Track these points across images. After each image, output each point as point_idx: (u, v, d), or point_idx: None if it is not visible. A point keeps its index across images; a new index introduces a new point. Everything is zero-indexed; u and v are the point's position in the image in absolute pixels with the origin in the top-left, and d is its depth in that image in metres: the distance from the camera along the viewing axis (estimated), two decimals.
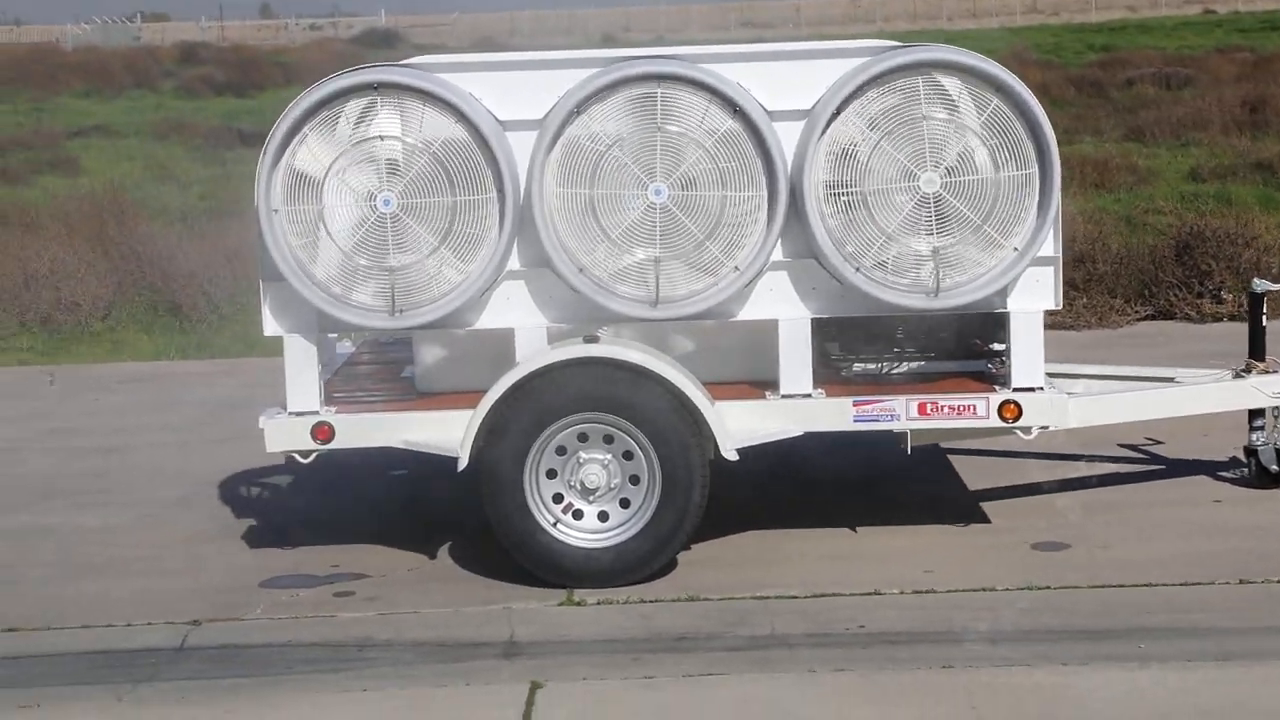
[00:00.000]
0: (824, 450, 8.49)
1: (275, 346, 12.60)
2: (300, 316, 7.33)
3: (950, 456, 8.95)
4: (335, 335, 8.10)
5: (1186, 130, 22.63)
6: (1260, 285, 8.33)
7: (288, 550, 7.88)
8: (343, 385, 7.84)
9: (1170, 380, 8.27)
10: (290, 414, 7.38)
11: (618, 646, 6.58)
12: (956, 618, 6.73)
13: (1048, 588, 7.01)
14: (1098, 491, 8.38)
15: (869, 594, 7.02)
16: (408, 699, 6.13)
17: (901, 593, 7.03)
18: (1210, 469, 8.60)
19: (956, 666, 6.19)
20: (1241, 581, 6.97)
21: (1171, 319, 12.45)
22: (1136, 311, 12.32)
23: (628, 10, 78.03)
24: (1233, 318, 12.33)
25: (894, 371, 7.72)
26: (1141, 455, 8.94)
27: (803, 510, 8.11)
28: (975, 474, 8.70)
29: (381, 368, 8.35)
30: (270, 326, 7.40)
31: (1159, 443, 9.05)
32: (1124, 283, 12.57)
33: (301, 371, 7.38)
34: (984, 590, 7.02)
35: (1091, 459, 8.83)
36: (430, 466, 8.45)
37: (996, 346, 7.77)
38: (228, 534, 8.21)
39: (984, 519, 7.97)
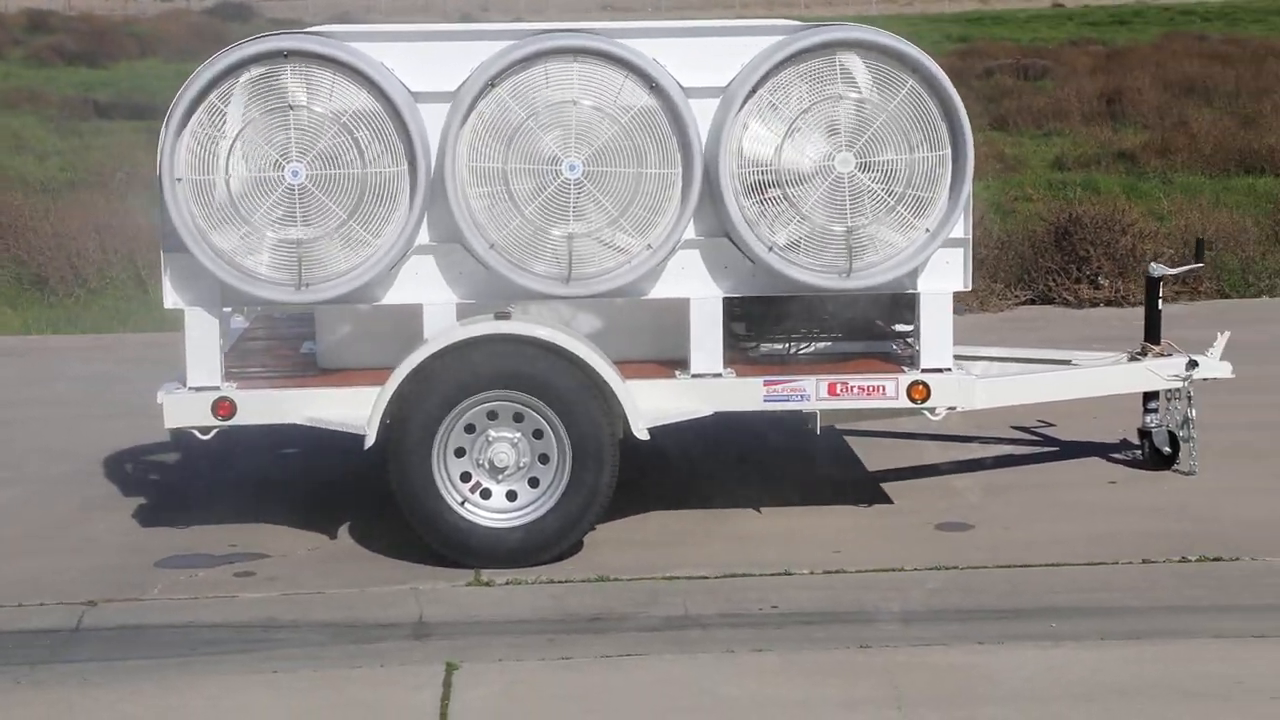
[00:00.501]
0: (721, 430, 8.43)
1: (150, 322, 12.54)
2: (202, 289, 7.15)
3: (847, 437, 8.96)
4: (231, 309, 7.90)
5: (1048, 120, 22.96)
6: (1157, 269, 8.42)
7: (182, 529, 7.68)
8: (240, 361, 7.66)
9: (1067, 363, 8.34)
10: (190, 389, 7.20)
11: (530, 627, 6.50)
12: (867, 598, 6.73)
13: (955, 568, 7.04)
14: (995, 473, 8.44)
15: (779, 574, 7.00)
16: (320, 680, 6.01)
17: (811, 573, 7.02)
18: (1102, 450, 8.70)
19: (874, 646, 6.19)
20: (1144, 561, 7.05)
21: (1050, 304, 12.59)
22: (1016, 296, 12.43)
23: None
24: (1109, 303, 12.52)
25: (801, 352, 7.69)
26: (1034, 437, 9.02)
27: (704, 491, 8.07)
28: (873, 455, 8.72)
29: (278, 343, 8.18)
30: (171, 299, 7.21)
31: (1050, 425, 9.13)
32: (1004, 268, 12.69)
33: (202, 346, 7.20)
34: (892, 570, 7.03)
35: (986, 440, 8.89)
36: (322, 444, 8.32)
37: (899, 327, 7.80)
38: (119, 512, 7.99)
39: (886, 499, 7.99)
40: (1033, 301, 12.51)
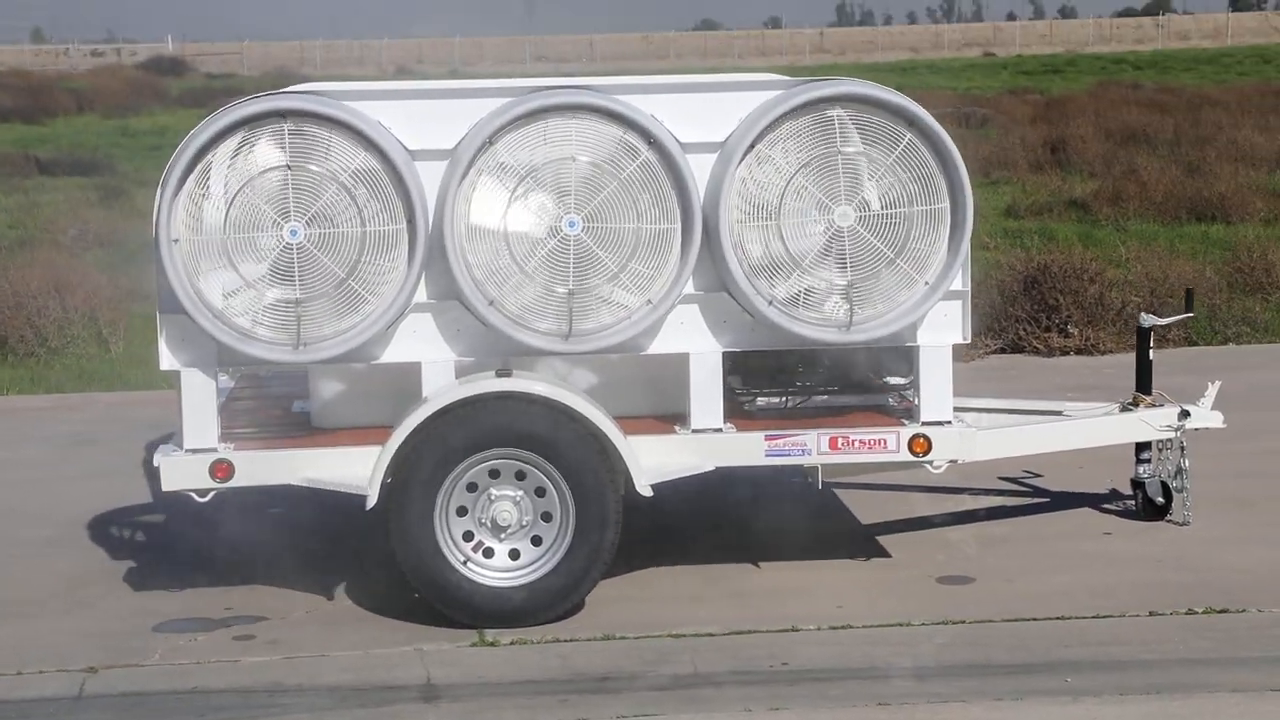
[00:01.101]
0: (709, 486, 8.37)
1: (116, 380, 12.40)
2: (199, 350, 7.07)
3: (835, 490, 8.93)
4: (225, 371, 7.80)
5: (994, 168, 23.14)
6: (1147, 320, 8.46)
7: (176, 592, 7.58)
8: (231, 421, 7.55)
9: (1058, 413, 8.36)
10: (187, 451, 7.11)
11: (540, 688, 6.44)
12: (877, 653, 6.70)
13: (961, 622, 7.02)
14: (989, 524, 8.43)
15: (786, 630, 6.96)
16: None
17: (818, 629, 6.98)
18: (1093, 501, 8.71)
19: (892, 703, 6.16)
20: (1151, 614, 7.05)
21: (1020, 352, 12.63)
22: (987, 345, 12.47)
23: (419, 42, 77.70)
24: (1079, 351, 12.57)
25: (797, 405, 7.68)
26: (1023, 488, 9.02)
27: (700, 546, 8.02)
28: (863, 508, 8.70)
29: (267, 402, 8.09)
30: (167, 361, 7.13)
31: (1038, 475, 9.14)
32: (974, 317, 12.69)
33: (199, 407, 7.11)
34: (899, 625, 7.00)
35: (975, 491, 8.89)
36: (308, 503, 8.25)
37: (892, 380, 7.80)
38: (109, 576, 7.87)
39: (883, 553, 7.97)
40: (1003, 350, 12.55)
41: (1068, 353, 12.56)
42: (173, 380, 7.27)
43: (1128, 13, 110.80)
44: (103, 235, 18.12)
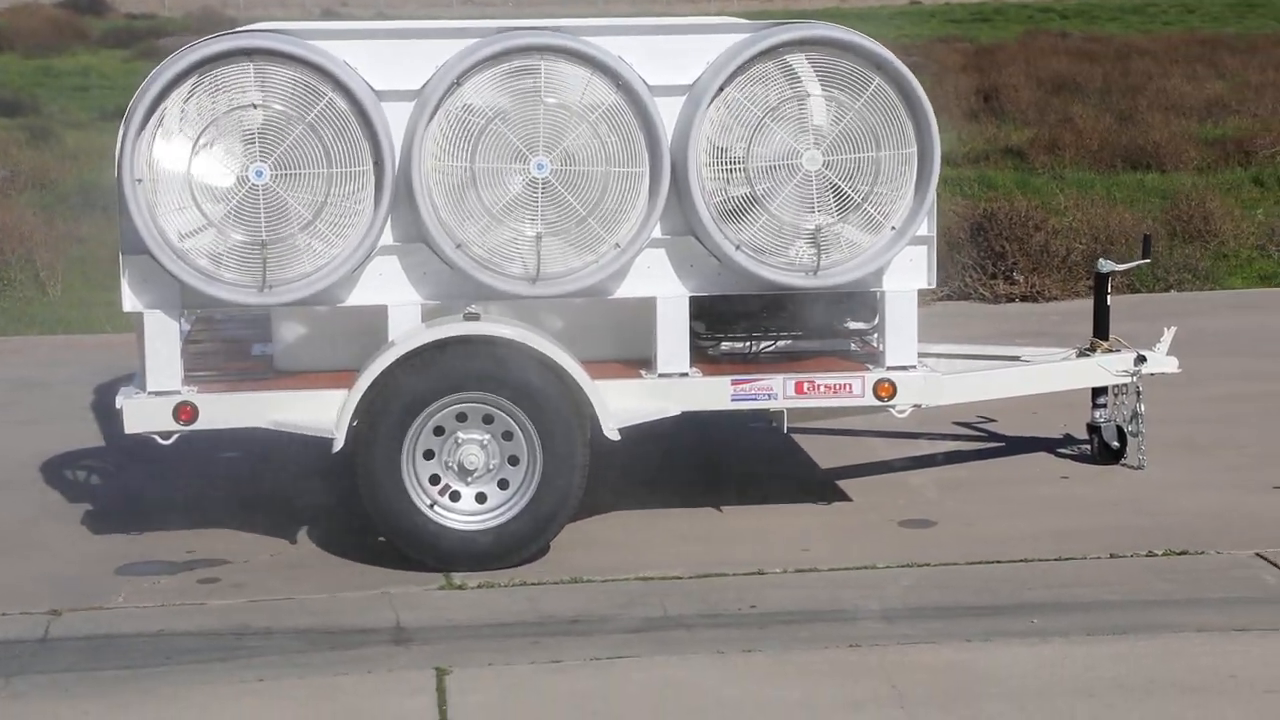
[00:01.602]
0: (667, 430, 8.38)
1: (57, 324, 12.27)
2: (162, 292, 7.00)
3: (794, 435, 8.96)
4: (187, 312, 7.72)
5: None
6: (1105, 265, 8.51)
7: (136, 535, 7.52)
8: (191, 365, 7.47)
9: (1016, 359, 8.41)
10: (150, 394, 7.05)
11: (511, 630, 6.44)
12: (845, 596, 6.75)
13: (927, 564, 7.08)
14: (947, 469, 8.49)
15: (753, 574, 7.00)
16: (309, 689, 5.91)
17: (784, 571, 7.02)
18: (1048, 445, 8.78)
19: (863, 645, 6.20)
20: (1112, 556, 7.13)
21: (967, 299, 12.71)
22: (935, 292, 12.51)
23: None
24: (1024, 298, 12.66)
25: (762, 351, 7.69)
26: (979, 433, 9.08)
27: (664, 491, 8.04)
28: (822, 453, 8.74)
29: (225, 345, 8.03)
30: (130, 302, 7.05)
31: (992, 420, 9.20)
32: None
33: (162, 349, 7.04)
34: (865, 568, 7.05)
35: (932, 436, 8.94)
36: (264, 448, 8.20)
37: (853, 325, 7.82)
38: (65, 519, 7.81)
39: (845, 497, 8.01)
40: (950, 297, 12.62)
41: (1014, 299, 12.65)
42: (134, 322, 7.19)
43: None
44: (34, 176, 17.85)
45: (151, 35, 44.08)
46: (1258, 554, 7.09)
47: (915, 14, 54.38)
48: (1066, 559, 7.10)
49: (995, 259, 12.78)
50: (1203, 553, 7.14)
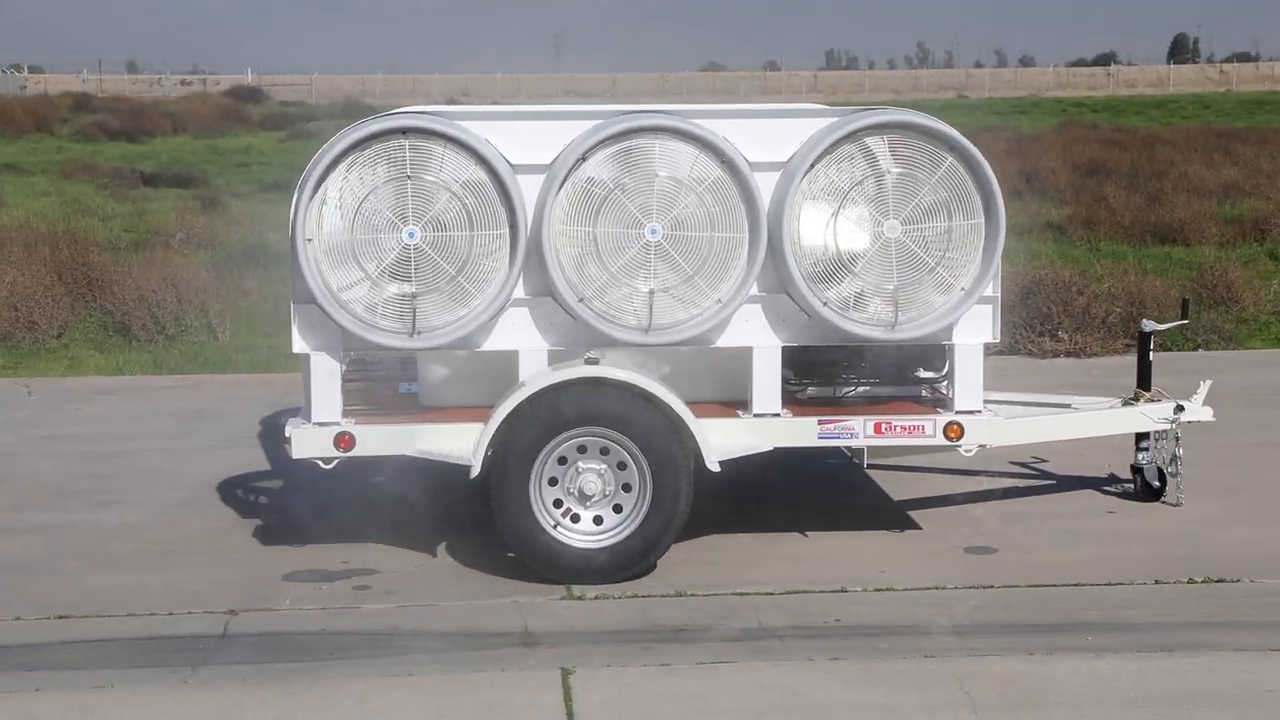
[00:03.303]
0: (760, 467, 8.31)
1: (226, 365, 12.37)
2: (326, 336, 7.03)
3: (867, 472, 8.86)
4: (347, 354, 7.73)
5: None
6: (1148, 326, 8.39)
7: (299, 548, 7.54)
8: (348, 400, 7.47)
9: (1068, 406, 8.29)
10: (315, 424, 7.07)
11: (625, 637, 6.39)
12: (919, 613, 6.64)
13: (991, 586, 6.97)
14: (1006, 502, 8.37)
15: (837, 591, 6.91)
16: (451, 683, 5.87)
17: (864, 590, 6.93)
18: (1095, 484, 8.64)
19: (937, 656, 6.10)
20: (1157, 582, 6.99)
21: (1017, 355, 12.58)
22: (988, 348, 12.38)
23: (466, 77, 77.66)
24: (1068, 354, 12.51)
25: (845, 395, 7.62)
26: (1033, 471, 8.96)
27: (756, 518, 7.97)
28: (893, 487, 8.63)
29: (376, 385, 8.05)
30: (298, 345, 7.08)
31: (1044, 460, 9.08)
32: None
33: (325, 386, 7.08)
34: (936, 589, 6.95)
35: (991, 474, 8.82)
36: (407, 474, 8.21)
37: (923, 374, 7.73)
38: (240, 531, 7.84)
39: (915, 526, 7.91)
40: (1001, 353, 12.47)
41: (1059, 355, 12.51)
42: (301, 362, 7.22)
43: (1080, 63, 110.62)
44: (205, 239, 18.09)
45: (301, 119, 44.79)
46: None
47: (962, 106, 54.28)
48: (1116, 584, 6.96)
49: (1043, 319, 12.66)
50: (1238, 581, 6.99)
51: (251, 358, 12.61)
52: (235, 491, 8.63)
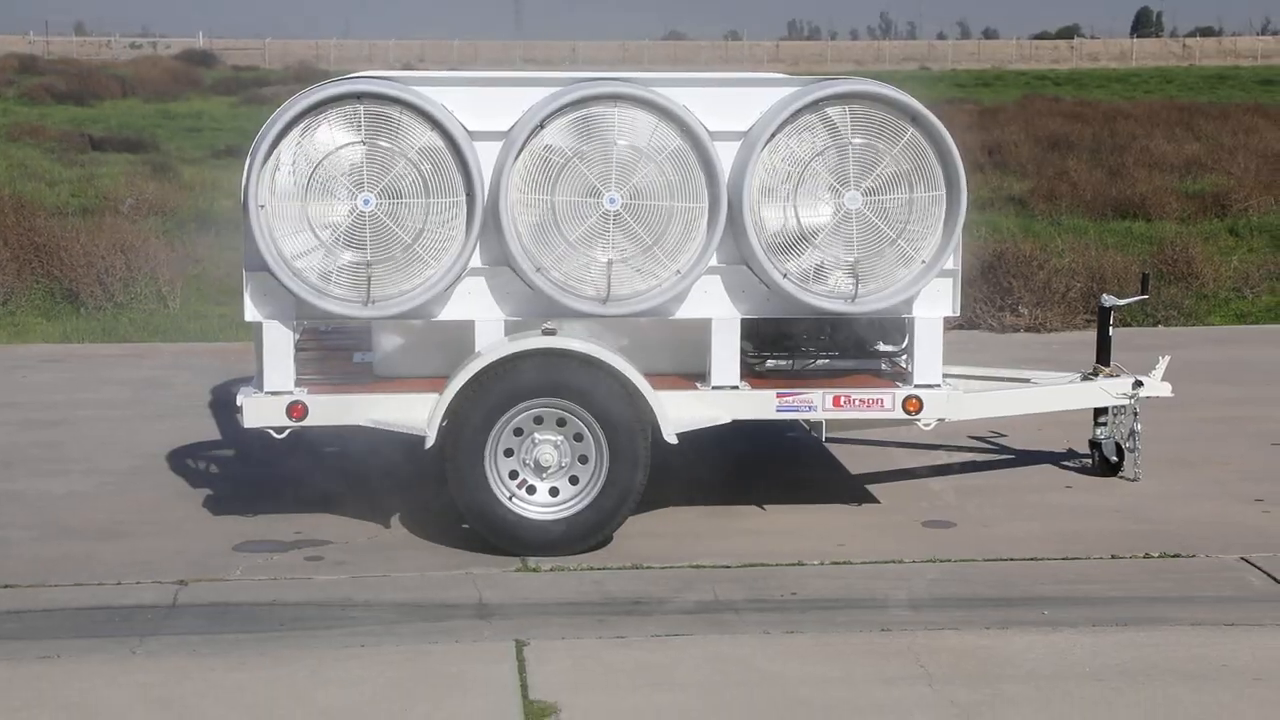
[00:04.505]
0: (718, 438, 8.34)
1: (177, 333, 12.31)
2: (279, 304, 7.01)
3: (825, 445, 8.90)
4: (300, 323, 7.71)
5: None
6: (1108, 300, 8.46)
7: (250, 517, 7.54)
8: (300, 370, 7.45)
9: (1027, 381, 8.35)
10: (267, 393, 7.06)
11: (579, 609, 6.41)
12: (877, 586, 6.69)
13: (948, 560, 7.02)
14: (964, 477, 8.43)
15: (794, 564, 6.95)
16: (405, 654, 5.88)
17: (822, 563, 6.97)
18: (1053, 458, 8.72)
19: (893, 629, 6.15)
20: (1113, 557, 7.06)
21: (977, 329, 12.65)
22: (947, 322, 12.44)
23: (422, 42, 77.25)
24: (1029, 329, 12.60)
25: (803, 368, 7.64)
26: (991, 446, 9.03)
27: (712, 490, 8.00)
28: (851, 460, 8.69)
29: (329, 354, 8.03)
30: (250, 313, 7.05)
31: (1003, 435, 9.15)
32: None
33: (278, 355, 7.06)
34: (893, 562, 7.00)
35: (949, 448, 8.89)
36: (359, 444, 8.19)
37: (882, 347, 7.76)
38: (191, 501, 7.83)
39: (874, 499, 7.97)
40: (961, 327, 12.54)
41: (1019, 330, 12.60)
42: (253, 331, 7.20)
43: (1043, 36, 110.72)
44: (155, 205, 17.96)
45: (255, 84, 44.44)
46: (1243, 558, 7.01)
47: (925, 79, 54.31)
48: (1073, 558, 7.03)
49: (1003, 293, 12.74)
50: (1194, 556, 7.07)
51: (203, 326, 12.58)
52: (186, 461, 8.61)
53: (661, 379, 7.27)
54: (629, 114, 6.97)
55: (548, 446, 7.03)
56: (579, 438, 7.05)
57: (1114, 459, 8.30)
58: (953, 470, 8.55)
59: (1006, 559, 7.03)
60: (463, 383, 6.94)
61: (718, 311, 7.21)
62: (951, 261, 7.25)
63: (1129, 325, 12.58)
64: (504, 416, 6.99)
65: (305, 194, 6.84)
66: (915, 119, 7.07)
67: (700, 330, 7.27)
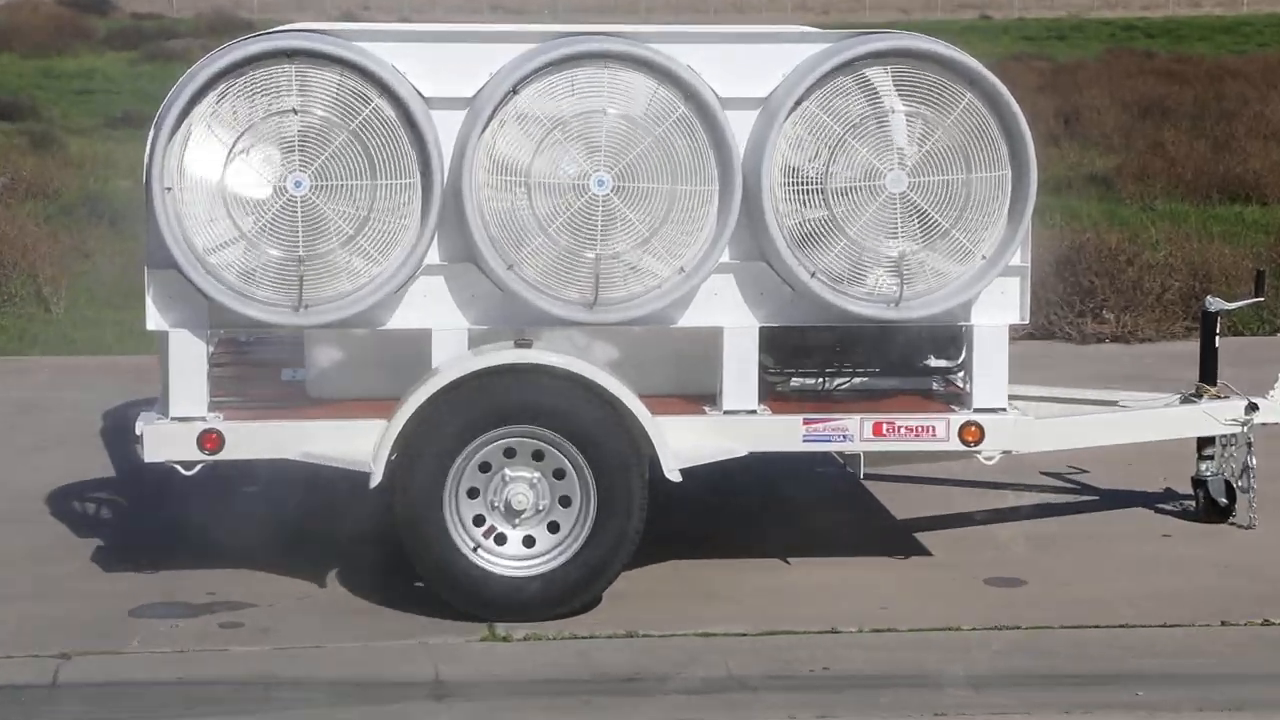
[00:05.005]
0: (731, 476, 8.35)
1: (61, 344, 12.33)
2: (190, 310, 7.03)
3: (864, 483, 8.91)
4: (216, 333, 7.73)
5: None
6: (1214, 304, 8.48)
7: (151, 574, 7.55)
8: (215, 390, 7.46)
9: (1113, 404, 8.38)
10: (173, 419, 7.08)
11: (561, 688, 6.44)
12: (928, 660, 6.71)
13: (1017, 627, 7.04)
14: (1036, 523, 8.46)
15: (825, 632, 6.97)
16: None
17: (860, 631, 6.99)
18: (1146, 500, 8.74)
19: (949, 714, 6.17)
20: (1224, 624, 7.07)
21: (1052, 338, 12.70)
22: (1015, 330, 12.47)
23: None
24: (1115, 338, 12.65)
25: (837, 388, 7.66)
26: (1070, 485, 9.05)
27: (724, 538, 8.03)
28: (896, 501, 8.71)
29: (252, 369, 8.06)
30: (154, 320, 7.07)
31: (1084, 471, 9.17)
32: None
33: (187, 372, 7.08)
34: (948, 630, 7.01)
35: (1017, 487, 8.91)
36: (289, 481, 8.21)
37: (934, 362, 7.78)
38: (77, 554, 7.84)
39: (923, 551, 7.99)
40: (1032, 336, 12.55)
41: (1103, 340, 12.64)
42: (157, 342, 7.23)
43: None
44: (35, 185, 17.99)
45: (160, 36, 44.47)
46: None
47: (986, 29, 54.51)
48: (1173, 625, 7.04)
49: (1083, 295, 12.79)
50: None
51: (93, 336, 12.60)
52: (71, 504, 8.64)
53: (662, 402, 7.29)
54: (622, 76, 7.00)
55: (521, 485, 7.04)
56: (560, 475, 7.06)
57: (1223, 501, 8.32)
58: (1022, 515, 8.57)
59: (1090, 626, 7.04)
60: (416, 406, 6.96)
61: (731, 319, 7.24)
62: (1019, 256, 7.29)
63: (1240, 334, 12.60)
64: (467, 449, 7.00)
65: (223, 174, 6.86)
66: (973, 81, 7.10)
67: (709, 342, 7.30)
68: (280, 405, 7.38)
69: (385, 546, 7.38)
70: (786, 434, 7.27)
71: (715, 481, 7.81)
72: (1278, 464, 8.84)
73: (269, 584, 7.46)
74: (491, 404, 7.00)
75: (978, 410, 7.33)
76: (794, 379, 7.67)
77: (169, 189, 6.85)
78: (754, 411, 7.27)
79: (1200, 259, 13.76)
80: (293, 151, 6.85)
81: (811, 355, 7.73)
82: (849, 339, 7.73)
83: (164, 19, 57.08)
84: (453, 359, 7.07)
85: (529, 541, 7.09)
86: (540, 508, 7.06)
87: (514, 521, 7.06)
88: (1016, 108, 7.10)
